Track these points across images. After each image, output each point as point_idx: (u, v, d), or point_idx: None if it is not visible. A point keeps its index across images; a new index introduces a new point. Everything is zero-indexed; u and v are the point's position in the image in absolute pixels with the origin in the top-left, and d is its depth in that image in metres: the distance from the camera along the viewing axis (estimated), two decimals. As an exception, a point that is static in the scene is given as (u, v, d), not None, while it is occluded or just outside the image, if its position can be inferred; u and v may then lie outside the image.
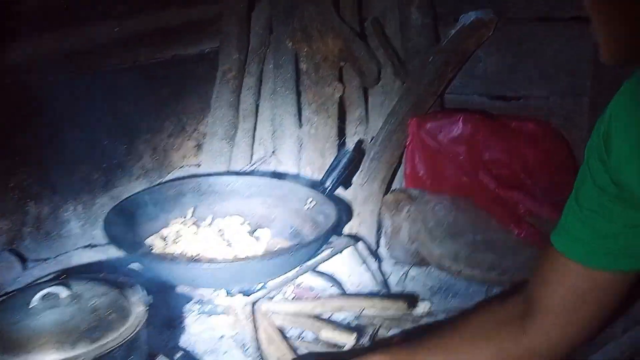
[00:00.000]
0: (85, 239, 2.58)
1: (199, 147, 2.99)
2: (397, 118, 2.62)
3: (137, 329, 1.56)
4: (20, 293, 1.65)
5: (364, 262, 2.28)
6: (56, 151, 2.42)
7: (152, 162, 2.84)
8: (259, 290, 2.01)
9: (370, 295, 2.21)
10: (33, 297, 1.55)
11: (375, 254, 2.55)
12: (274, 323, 2.04)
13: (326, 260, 2.20)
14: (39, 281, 2.10)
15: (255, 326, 1.95)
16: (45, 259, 2.44)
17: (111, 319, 1.55)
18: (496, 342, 1.35)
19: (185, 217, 2.34)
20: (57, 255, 2.46)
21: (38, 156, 2.37)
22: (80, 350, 1.46)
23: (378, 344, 1.99)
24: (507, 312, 1.39)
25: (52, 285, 1.59)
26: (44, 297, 1.56)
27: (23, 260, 2.35)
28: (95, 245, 2.47)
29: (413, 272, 2.51)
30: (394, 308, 2.09)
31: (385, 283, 2.39)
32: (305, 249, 2.05)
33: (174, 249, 2.13)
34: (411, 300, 2.15)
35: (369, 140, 2.72)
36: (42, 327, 1.48)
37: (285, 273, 2.06)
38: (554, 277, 1.33)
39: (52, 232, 2.50)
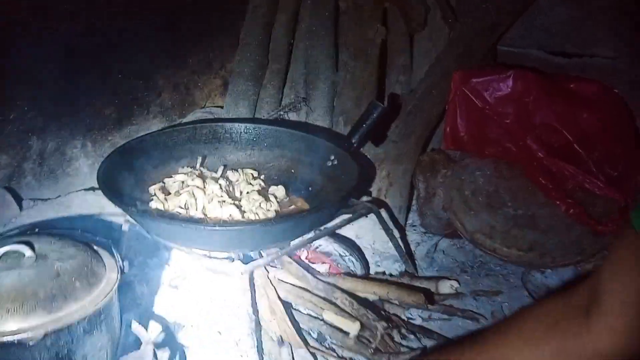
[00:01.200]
0: (93, 180, 2.39)
1: (225, 86, 2.76)
2: (441, 69, 2.35)
3: (105, 299, 1.37)
4: (-19, 248, 1.46)
5: (388, 229, 2.03)
6: (64, 82, 2.22)
7: (172, 99, 2.63)
8: (263, 256, 1.78)
9: (387, 281, 1.98)
10: (-8, 254, 1.36)
11: (402, 221, 2.31)
12: (278, 294, 1.83)
13: (343, 225, 1.97)
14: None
15: (253, 296, 1.74)
16: (46, 199, 2.27)
17: (76, 287, 1.35)
18: (556, 341, 1.13)
19: (194, 167, 2.12)
20: (58, 197, 2.29)
21: (43, 87, 2.16)
22: (34, 321, 1.28)
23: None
24: (569, 307, 1.15)
25: (15, 243, 1.40)
26: (4, 255, 1.37)
27: (20, 199, 2.19)
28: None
29: (444, 244, 2.27)
30: (410, 300, 1.86)
31: (410, 254, 2.15)
32: (317, 215, 1.81)
33: (174, 203, 1.92)
34: (429, 295, 1.91)
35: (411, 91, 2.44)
36: (-4, 291, 1.29)
37: (295, 239, 1.83)
38: (630, 266, 1.06)
39: (56, 170, 2.33)
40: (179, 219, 1.82)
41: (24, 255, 1.38)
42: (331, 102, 2.52)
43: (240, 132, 2.21)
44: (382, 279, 1.99)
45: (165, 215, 1.83)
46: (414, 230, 2.34)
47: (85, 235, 1.58)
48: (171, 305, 1.75)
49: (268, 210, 1.96)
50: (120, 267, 1.48)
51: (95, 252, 1.49)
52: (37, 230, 1.61)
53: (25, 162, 2.22)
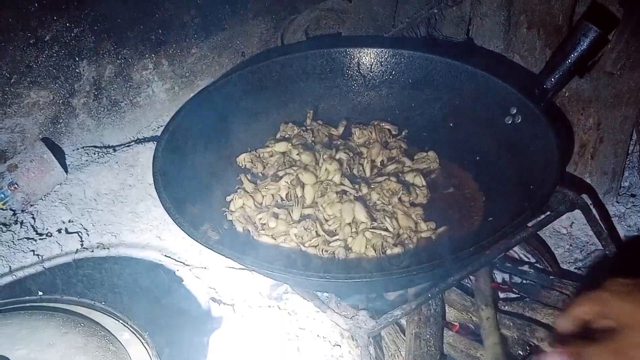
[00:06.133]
0: (173, 108, 1.75)
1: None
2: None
3: None
4: None
5: (601, 231, 1.28)
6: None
7: (278, -10, 1.89)
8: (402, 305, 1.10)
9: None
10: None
11: (615, 190, 1.55)
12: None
13: (530, 236, 1.24)
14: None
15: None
16: (106, 148, 1.65)
17: None
18: None
19: (303, 124, 1.43)
20: (119, 146, 1.66)
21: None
22: None
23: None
24: None
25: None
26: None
27: (63, 155, 1.59)
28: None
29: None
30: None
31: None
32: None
33: (271, 194, 1.26)
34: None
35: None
36: None
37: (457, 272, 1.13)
38: None
39: (120, 101, 1.72)
40: (279, 265, 1.12)
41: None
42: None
43: (372, 63, 1.46)
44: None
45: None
46: (633, 203, 1.56)
47: (103, 308, 0.94)
48: None
49: (412, 204, 1.26)
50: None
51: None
52: (27, 299, 0.98)
53: (75, 96, 1.64)
